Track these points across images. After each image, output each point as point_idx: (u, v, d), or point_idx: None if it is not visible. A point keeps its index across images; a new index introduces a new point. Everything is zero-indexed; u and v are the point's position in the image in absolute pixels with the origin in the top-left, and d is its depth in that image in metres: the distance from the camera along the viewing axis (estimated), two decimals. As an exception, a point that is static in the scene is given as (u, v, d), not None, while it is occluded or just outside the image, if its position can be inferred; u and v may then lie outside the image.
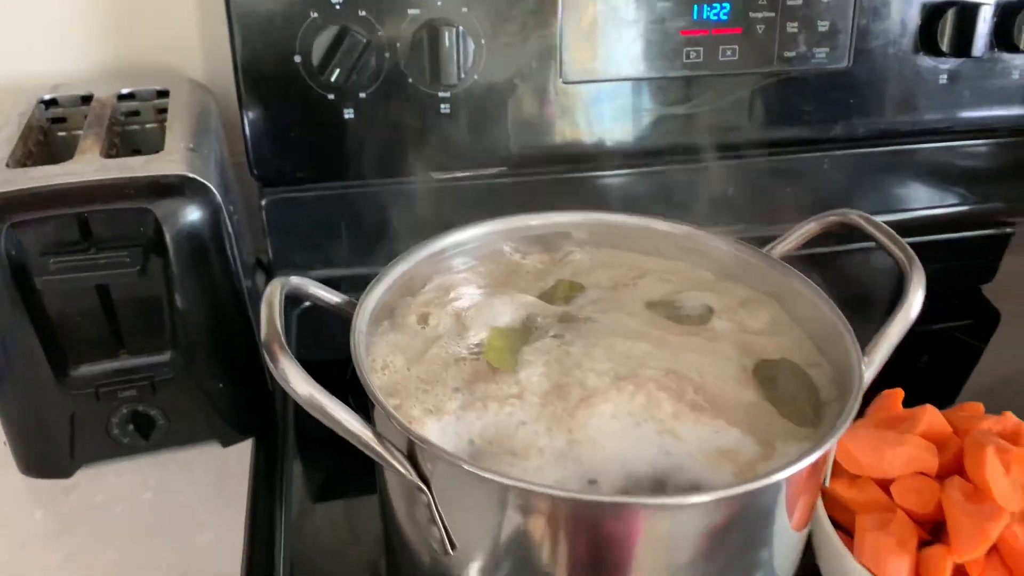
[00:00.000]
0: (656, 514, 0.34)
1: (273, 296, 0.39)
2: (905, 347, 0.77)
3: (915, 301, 0.41)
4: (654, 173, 0.89)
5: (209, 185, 0.60)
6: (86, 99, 0.74)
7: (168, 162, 0.60)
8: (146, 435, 0.63)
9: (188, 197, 0.59)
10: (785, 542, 0.39)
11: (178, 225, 0.58)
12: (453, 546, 0.38)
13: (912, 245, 0.98)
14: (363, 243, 0.86)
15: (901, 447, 0.48)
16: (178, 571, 0.55)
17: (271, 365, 0.35)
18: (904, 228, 0.95)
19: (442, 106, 0.79)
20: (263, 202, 0.83)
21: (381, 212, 0.84)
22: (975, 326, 0.85)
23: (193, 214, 0.59)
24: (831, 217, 0.47)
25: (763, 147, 0.89)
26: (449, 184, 0.84)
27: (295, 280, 0.42)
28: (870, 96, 0.88)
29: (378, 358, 0.43)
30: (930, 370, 0.78)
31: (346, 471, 0.64)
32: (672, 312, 0.48)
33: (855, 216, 0.45)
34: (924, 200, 0.98)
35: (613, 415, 0.40)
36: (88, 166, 0.59)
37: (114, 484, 0.63)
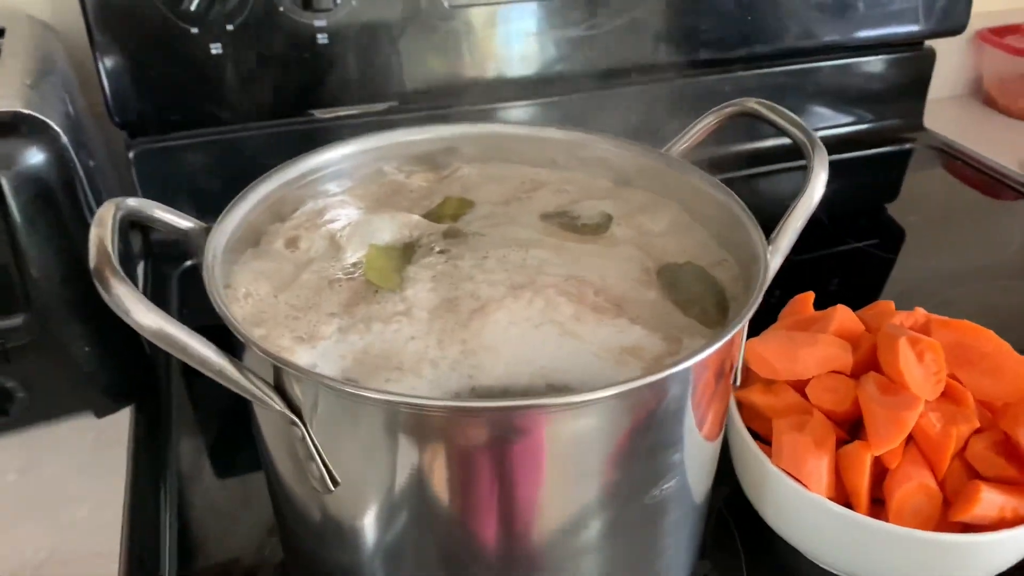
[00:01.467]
0: (558, 416, 0.30)
1: (105, 218, 0.34)
2: (817, 264, 0.76)
3: (818, 184, 0.39)
4: (553, 104, 0.85)
5: (49, 122, 0.53)
6: (-93, 39, 0.65)
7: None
8: (4, 410, 0.57)
9: (25, 136, 0.52)
10: (697, 446, 0.36)
11: (15, 168, 0.51)
12: (335, 482, 0.34)
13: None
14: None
15: (814, 347, 0.46)
16: (47, 551, 0.50)
17: (103, 294, 0.30)
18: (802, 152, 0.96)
19: (319, 36, 0.73)
20: (130, 154, 0.76)
21: (261, 158, 0.78)
22: (882, 244, 0.84)
23: (33, 156, 0.52)
24: (729, 108, 0.44)
25: (665, 71, 0.87)
26: (334, 124, 0.79)
27: (133, 202, 0.37)
28: (769, 15, 0.86)
29: (239, 287, 0.38)
30: (842, 283, 0.77)
31: (240, 437, 0.59)
32: (569, 222, 0.45)
33: (753, 104, 0.42)
34: (825, 119, 0.98)
35: (510, 321, 0.37)
36: (-99, 106, 0.51)
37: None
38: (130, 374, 0.62)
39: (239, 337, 0.32)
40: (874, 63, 0.96)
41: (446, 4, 0.74)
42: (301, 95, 0.77)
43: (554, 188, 0.48)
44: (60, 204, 0.54)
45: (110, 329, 0.60)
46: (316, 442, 0.33)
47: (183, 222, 0.39)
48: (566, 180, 0.49)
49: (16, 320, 0.55)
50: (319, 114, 0.79)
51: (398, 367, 0.35)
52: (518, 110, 0.84)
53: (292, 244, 0.42)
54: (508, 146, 0.49)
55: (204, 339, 0.31)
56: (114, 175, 0.79)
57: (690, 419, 0.34)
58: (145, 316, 0.30)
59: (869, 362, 0.46)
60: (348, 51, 0.75)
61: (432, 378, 0.34)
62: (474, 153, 0.50)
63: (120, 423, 0.61)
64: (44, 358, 0.56)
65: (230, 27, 0.71)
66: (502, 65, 0.80)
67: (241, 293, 0.38)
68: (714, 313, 0.38)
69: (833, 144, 0.95)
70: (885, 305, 0.51)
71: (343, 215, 0.44)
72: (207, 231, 0.38)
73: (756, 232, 0.38)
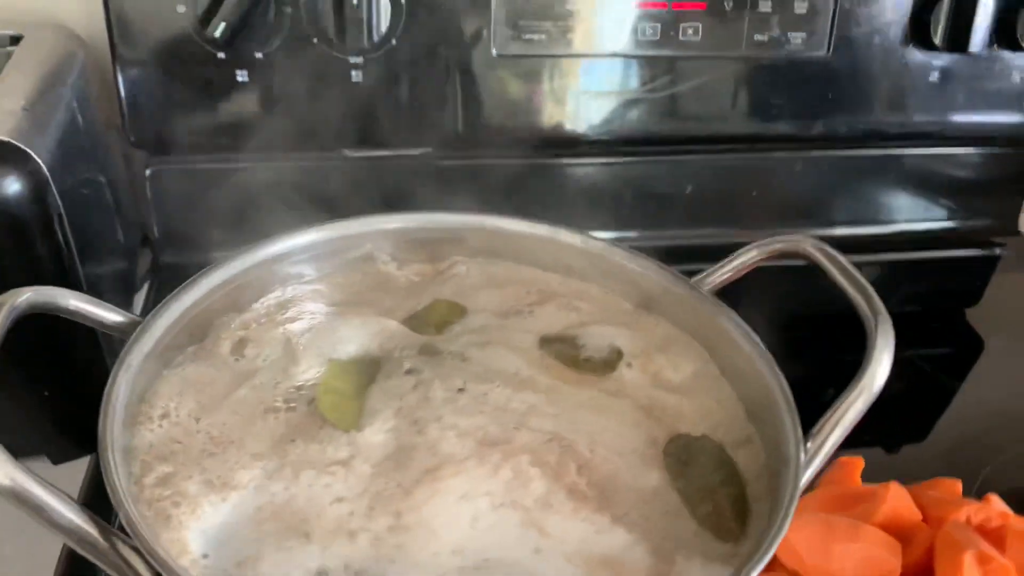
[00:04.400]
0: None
1: (-9, 318, 0.28)
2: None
3: (879, 371, 0.31)
4: (598, 165, 0.78)
5: (29, 152, 0.49)
6: (-78, 41, 0.61)
7: (-22, 121, 0.49)
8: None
9: (2, 165, 0.47)
10: None
11: (-12, 197, 0.47)
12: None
13: (891, 262, 0.89)
14: (265, 223, 0.75)
15: (854, 542, 0.37)
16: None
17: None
18: (883, 242, 0.87)
19: (353, 73, 0.68)
20: (147, 172, 0.72)
21: (285, 190, 0.73)
22: (955, 355, 0.75)
23: (6, 188, 0.48)
24: (777, 244, 0.36)
25: (727, 142, 0.79)
26: (364, 163, 0.73)
27: (33, 294, 0.31)
28: (851, 91, 0.77)
29: (158, 402, 0.32)
30: (900, 408, 0.68)
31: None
32: (571, 354, 0.38)
33: (809, 247, 0.35)
34: (907, 212, 0.88)
35: (463, 495, 0.30)
36: None
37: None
38: (91, 419, 0.57)
39: (114, 504, 0.26)
40: (969, 156, 0.87)
41: (493, 52, 0.68)
42: (330, 131, 0.71)
43: (563, 303, 0.41)
44: (32, 239, 0.50)
45: (74, 372, 0.55)
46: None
47: (110, 315, 0.33)
48: (579, 294, 0.42)
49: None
50: (348, 153, 0.73)
51: (306, 534, 0.28)
52: (559, 169, 0.77)
53: (239, 348, 0.36)
54: (519, 244, 0.43)
55: (66, 497, 0.25)
56: (130, 190, 0.76)
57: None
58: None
59: (923, 565, 0.38)
60: (383, 91, 0.69)
61: (340, 553, 0.28)
62: (479, 246, 0.43)
63: (76, 473, 0.56)
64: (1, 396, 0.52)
65: (259, 55, 0.66)
66: (546, 120, 0.73)
67: (157, 412, 0.32)
68: (729, 517, 0.31)
69: (914, 240, 0.87)
70: (950, 485, 0.42)
71: (309, 313, 0.38)
72: (134, 327, 0.32)
73: (791, 422, 0.30)
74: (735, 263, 0.37)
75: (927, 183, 0.87)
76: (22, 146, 0.49)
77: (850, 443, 0.45)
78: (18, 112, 0.51)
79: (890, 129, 0.80)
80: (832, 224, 0.85)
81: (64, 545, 0.50)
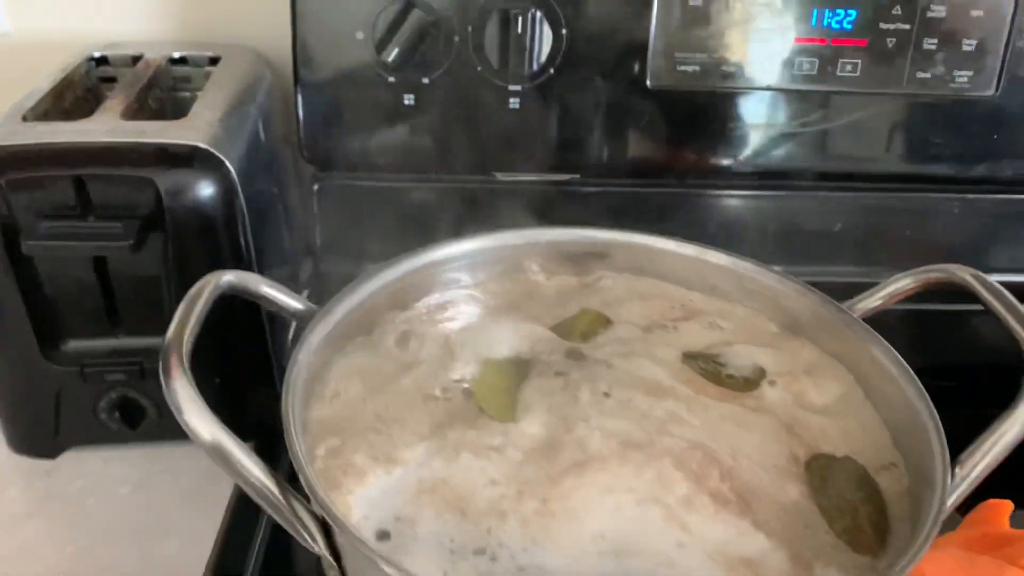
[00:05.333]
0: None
1: (199, 294, 0.32)
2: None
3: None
4: (751, 197, 0.78)
5: (223, 159, 0.54)
6: (137, 59, 0.70)
7: (184, 130, 0.55)
8: (133, 424, 0.58)
9: (196, 170, 0.53)
10: None
11: (181, 200, 0.53)
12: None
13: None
14: (419, 240, 0.79)
15: (999, 583, 0.36)
16: (125, 579, 0.50)
17: (163, 381, 0.28)
18: None
19: (511, 100, 0.71)
20: (315, 187, 0.77)
21: (440, 209, 0.77)
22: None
23: (201, 189, 0.54)
24: (933, 273, 0.36)
25: (883, 180, 0.77)
26: (514, 187, 0.76)
27: (233, 277, 0.35)
28: (1019, 133, 0.74)
29: (330, 383, 0.36)
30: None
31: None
32: (714, 369, 0.38)
33: (965, 275, 0.34)
34: (1072, 264, 0.83)
35: (608, 489, 0.32)
36: (100, 126, 0.54)
37: (95, 472, 0.58)
38: (255, 410, 0.62)
39: (300, 474, 0.29)
40: None
41: (648, 84, 0.70)
42: (486, 155, 0.75)
43: (707, 321, 0.42)
44: (219, 237, 0.55)
45: (244, 365, 0.60)
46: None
47: (293, 303, 0.37)
48: (723, 314, 0.42)
49: (158, 341, 0.56)
50: (501, 176, 0.77)
51: (462, 511, 0.30)
52: (707, 199, 0.77)
53: (403, 341, 0.39)
54: (665, 262, 0.44)
55: (256, 459, 0.28)
56: (301, 205, 0.82)
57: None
58: (199, 421, 0.27)
59: (1071, 617, 0.36)
60: (537, 118, 0.72)
61: (490, 532, 0.29)
62: (625, 262, 0.45)
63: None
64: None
65: (425, 80, 0.70)
66: (697, 151, 0.74)
67: (329, 391, 0.35)
68: (868, 533, 0.31)
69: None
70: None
71: (465, 314, 0.40)
72: (314, 314, 0.36)
73: (940, 449, 0.30)
74: (888, 290, 0.37)
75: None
76: (218, 154, 0.54)
77: (998, 488, 0.44)
78: (215, 124, 0.57)
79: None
80: (989, 270, 0.80)
81: (228, 511, 0.55)
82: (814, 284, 0.81)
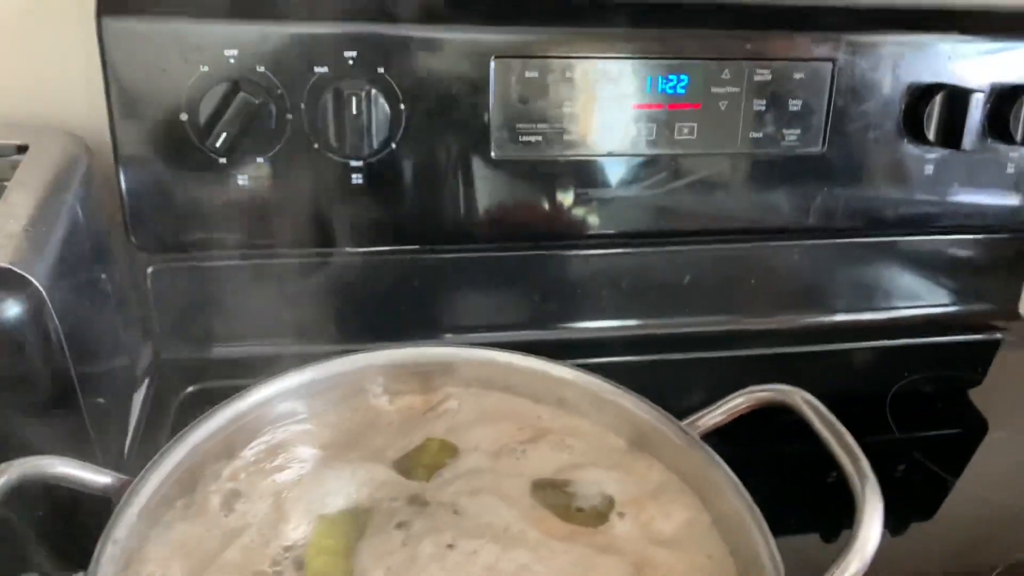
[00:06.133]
0: None
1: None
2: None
3: (870, 536, 0.31)
4: (603, 256, 0.79)
5: (29, 277, 0.49)
6: (-74, 152, 0.63)
7: (-19, 248, 0.49)
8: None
9: (2, 290, 0.48)
10: None
11: (-11, 321, 0.47)
12: None
13: (894, 348, 0.88)
14: (263, 320, 0.75)
15: None
16: None
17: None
18: (884, 328, 0.87)
19: (354, 176, 0.69)
20: (148, 270, 0.72)
21: (285, 288, 0.74)
22: (960, 436, 0.74)
23: (4, 312, 0.48)
24: (765, 394, 0.36)
25: (725, 233, 0.79)
26: (364, 259, 0.74)
27: (31, 464, 0.31)
28: (848, 183, 0.78)
29: (145, 566, 0.32)
30: (904, 496, 0.66)
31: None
32: (562, 501, 0.38)
33: (797, 398, 0.35)
34: (907, 298, 0.88)
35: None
36: None
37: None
38: (88, 537, 0.57)
39: None
40: (967, 242, 0.87)
41: (492, 155, 0.69)
42: (332, 231, 0.72)
43: (555, 442, 0.41)
44: (31, 356, 0.50)
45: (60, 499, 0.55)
46: None
47: (102, 478, 0.33)
48: (572, 431, 0.42)
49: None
50: (349, 250, 0.74)
51: None
52: (554, 261, 0.77)
53: (229, 503, 0.36)
54: (511, 376, 0.43)
55: None
56: (133, 287, 0.76)
57: None
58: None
59: None
60: (384, 193, 0.70)
61: None
62: (472, 376, 0.43)
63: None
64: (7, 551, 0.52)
65: (260, 160, 0.67)
66: (542, 217, 0.74)
67: (144, 578, 0.32)
68: None
69: (913, 326, 0.87)
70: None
71: (299, 459, 0.38)
72: (124, 490, 0.32)
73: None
74: (725, 407, 0.38)
75: (926, 269, 0.88)
76: (20, 272, 0.49)
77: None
78: (19, 234, 0.52)
79: (887, 218, 0.81)
80: (833, 311, 0.85)
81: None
82: (671, 336, 0.83)
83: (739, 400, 0.37)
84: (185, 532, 0.34)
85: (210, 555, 0.34)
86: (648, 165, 0.73)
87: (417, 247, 0.74)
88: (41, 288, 0.50)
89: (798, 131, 0.74)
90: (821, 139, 0.75)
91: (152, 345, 0.77)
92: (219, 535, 0.35)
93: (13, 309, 0.49)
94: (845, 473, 0.32)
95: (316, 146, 0.67)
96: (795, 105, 0.73)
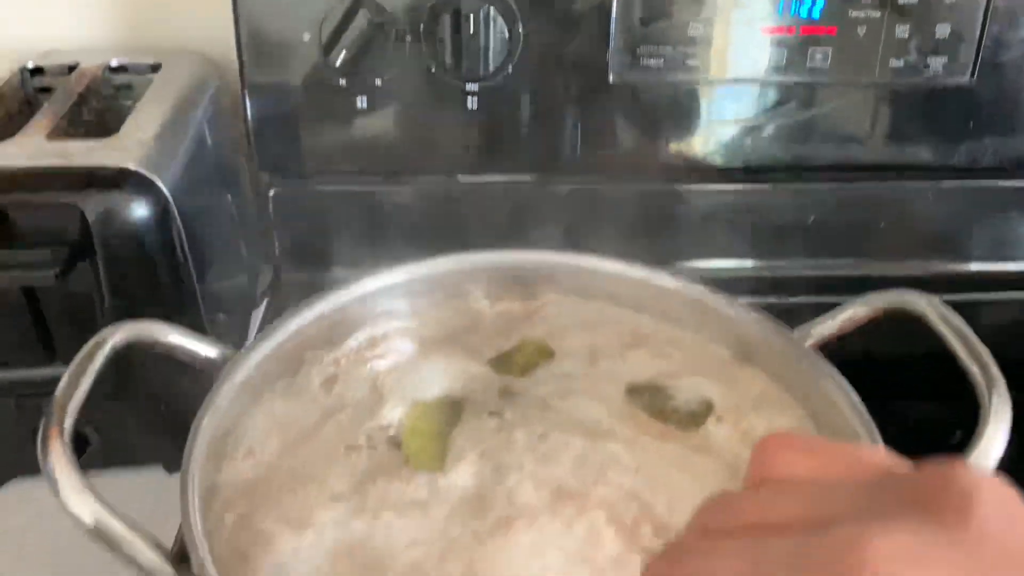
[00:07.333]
0: None
1: (94, 352, 0.30)
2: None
3: (992, 448, 0.28)
4: (726, 193, 0.76)
5: (156, 181, 0.52)
6: (73, 69, 0.67)
7: (113, 151, 0.52)
8: (76, 454, 0.56)
9: (126, 193, 0.51)
10: None
11: (111, 226, 0.50)
12: None
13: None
14: (381, 245, 0.77)
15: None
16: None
17: (40, 455, 0.26)
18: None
19: (469, 99, 0.68)
20: (270, 194, 0.75)
21: (401, 213, 0.75)
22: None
23: (132, 214, 0.51)
24: (888, 300, 0.33)
25: (856, 171, 0.75)
26: (477, 188, 0.74)
27: (130, 331, 0.32)
28: (997, 120, 0.71)
29: (244, 438, 0.33)
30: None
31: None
32: (659, 404, 0.36)
33: (923, 304, 0.32)
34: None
35: (536, 549, 0.29)
36: (22, 149, 0.51)
37: (36, 505, 0.56)
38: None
39: (188, 547, 0.26)
40: None
41: (611, 79, 0.67)
42: (447, 156, 0.72)
43: (655, 350, 0.39)
44: (155, 262, 0.53)
45: (188, 389, 0.58)
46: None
47: (206, 350, 0.34)
48: (673, 341, 0.40)
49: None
50: (463, 178, 0.74)
51: None
52: (674, 197, 0.75)
53: (328, 386, 0.36)
54: (613, 285, 0.42)
55: (148, 540, 0.26)
56: (256, 208, 0.79)
57: None
58: (77, 501, 0.25)
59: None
60: (498, 117, 0.69)
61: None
62: (573, 285, 0.42)
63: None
64: (121, 406, 0.55)
65: (378, 82, 0.67)
66: (665, 147, 0.71)
67: (242, 451, 0.33)
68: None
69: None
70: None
71: (397, 351, 0.38)
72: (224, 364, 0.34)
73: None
74: (840, 318, 0.35)
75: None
76: (149, 175, 0.52)
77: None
78: (148, 142, 0.55)
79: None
80: (967, 259, 0.79)
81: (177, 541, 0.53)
82: (790, 279, 0.79)
83: (858, 309, 0.35)
84: (284, 408, 0.35)
85: (306, 432, 0.34)
86: (776, 94, 0.69)
87: (528, 176, 0.73)
88: (168, 194, 0.53)
89: (944, 60, 0.68)
90: (970, 69, 0.69)
91: (272, 266, 0.80)
92: (317, 413, 0.35)
93: (140, 211, 0.52)
94: (973, 381, 0.30)
95: (432, 68, 0.67)
96: (942, 31, 0.67)
